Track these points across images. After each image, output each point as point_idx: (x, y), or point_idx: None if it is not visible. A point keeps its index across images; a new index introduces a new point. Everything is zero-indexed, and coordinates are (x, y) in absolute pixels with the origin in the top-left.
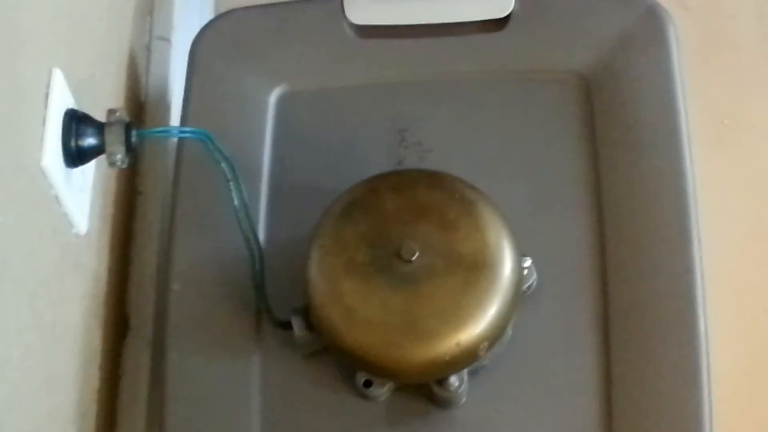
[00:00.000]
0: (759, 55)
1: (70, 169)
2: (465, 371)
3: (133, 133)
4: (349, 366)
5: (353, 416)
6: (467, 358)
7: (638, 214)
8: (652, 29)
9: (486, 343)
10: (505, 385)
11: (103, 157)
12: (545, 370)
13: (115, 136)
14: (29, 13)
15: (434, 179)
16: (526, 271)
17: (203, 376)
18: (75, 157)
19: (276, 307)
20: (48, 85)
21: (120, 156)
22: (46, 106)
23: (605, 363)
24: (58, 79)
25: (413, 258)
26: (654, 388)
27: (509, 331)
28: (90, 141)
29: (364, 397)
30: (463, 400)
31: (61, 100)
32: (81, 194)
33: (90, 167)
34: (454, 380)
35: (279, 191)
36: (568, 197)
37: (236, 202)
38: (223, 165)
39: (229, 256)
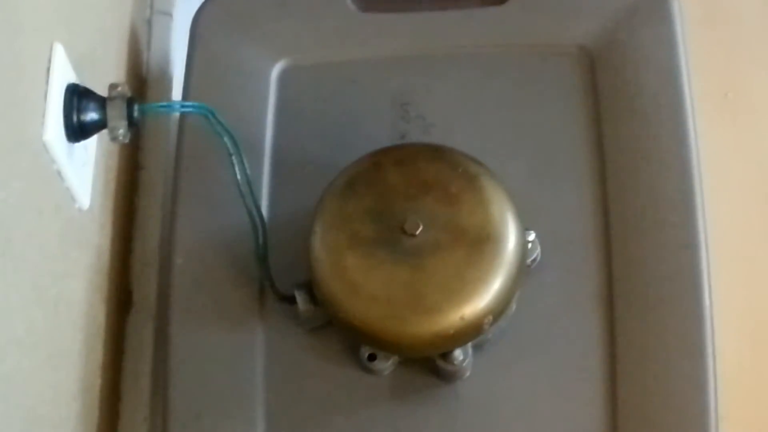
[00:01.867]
0: (762, 28)
1: (72, 144)
2: (469, 345)
3: (135, 107)
4: (353, 340)
5: (357, 390)
6: (471, 332)
7: (642, 188)
8: (655, 2)
9: (490, 317)
10: (509, 359)
11: (105, 132)
12: (549, 344)
13: (117, 110)
14: None
15: (437, 153)
16: (530, 245)
17: (207, 350)
18: (77, 132)
19: (279, 281)
20: (49, 60)
21: (122, 131)
22: (47, 81)
23: (609, 336)
24: (60, 54)
25: (417, 232)
26: (658, 362)
27: (513, 305)
28: (92, 116)
29: (368, 371)
30: (468, 373)
31: (62, 75)
32: (83, 169)
33: (92, 142)
34: (458, 354)
35: (282, 165)
36: (572, 171)
37: (239, 177)
38: (226, 139)
39: (232, 231)
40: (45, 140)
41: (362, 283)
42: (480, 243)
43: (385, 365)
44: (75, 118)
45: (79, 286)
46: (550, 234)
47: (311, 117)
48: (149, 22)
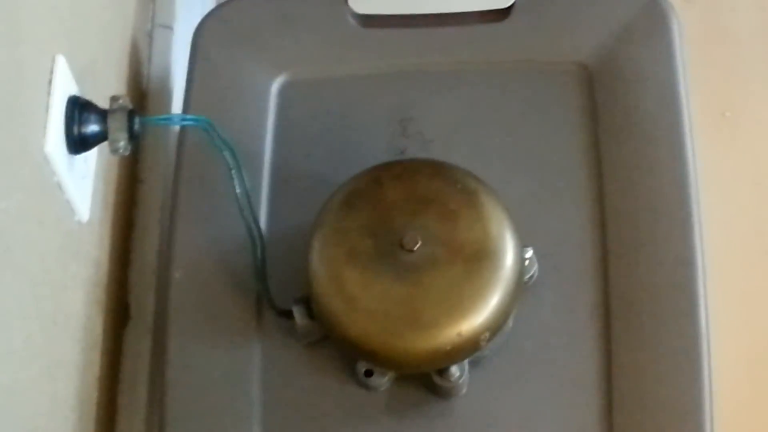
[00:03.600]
0: (760, 47)
1: (72, 156)
2: (466, 361)
3: (136, 120)
4: (350, 355)
5: (354, 406)
6: (468, 349)
7: (640, 205)
8: (654, 20)
9: (487, 334)
10: (506, 376)
11: (105, 144)
12: (546, 361)
13: (118, 123)
14: (33, 0)
15: (436, 169)
16: (527, 262)
17: (204, 364)
18: (78, 144)
19: (277, 295)
20: (51, 72)
21: (123, 143)
22: (49, 93)
23: (606, 353)
24: (62, 65)
25: (415, 248)
26: (654, 379)
27: (510, 322)
28: (93, 128)
29: (365, 386)
30: (464, 390)
31: (64, 86)
32: (83, 181)
33: (92, 154)
34: (455, 370)
35: (281, 180)
36: (570, 188)
37: (238, 191)
38: (225, 153)
39: (231, 245)
40: (46, 152)
41: (360, 299)
42: (478, 259)
43: (382, 381)
44: (76, 130)
45: (77, 298)
46: (548, 250)
47: (311, 131)
48: (150, 35)
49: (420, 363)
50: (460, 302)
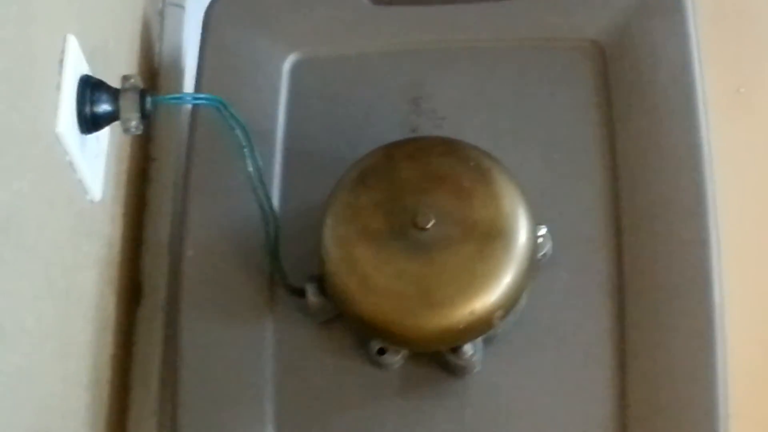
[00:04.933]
0: None
1: (84, 136)
2: (479, 339)
3: (148, 99)
4: (363, 334)
5: (367, 384)
6: (481, 327)
7: (654, 182)
8: None
9: (500, 312)
10: (519, 354)
11: (117, 123)
12: (559, 339)
13: (130, 102)
14: None
15: (449, 147)
16: (541, 240)
17: (217, 343)
18: (89, 123)
19: (290, 274)
20: (62, 52)
21: (134, 122)
22: (60, 73)
23: (619, 331)
24: (73, 45)
25: (428, 225)
26: (668, 357)
27: (524, 300)
28: (104, 107)
29: (378, 364)
30: (477, 368)
31: (75, 66)
32: (95, 161)
33: (104, 134)
34: (468, 348)
35: (293, 158)
36: (584, 165)
37: (250, 169)
38: (237, 131)
39: (243, 223)
40: (58, 132)
41: (373, 277)
42: (491, 237)
43: (395, 359)
44: (88, 110)
45: (89, 278)
46: (562, 229)
47: (323, 110)
48: (162, 14)
49: (433, 341)
50: (473, 280)
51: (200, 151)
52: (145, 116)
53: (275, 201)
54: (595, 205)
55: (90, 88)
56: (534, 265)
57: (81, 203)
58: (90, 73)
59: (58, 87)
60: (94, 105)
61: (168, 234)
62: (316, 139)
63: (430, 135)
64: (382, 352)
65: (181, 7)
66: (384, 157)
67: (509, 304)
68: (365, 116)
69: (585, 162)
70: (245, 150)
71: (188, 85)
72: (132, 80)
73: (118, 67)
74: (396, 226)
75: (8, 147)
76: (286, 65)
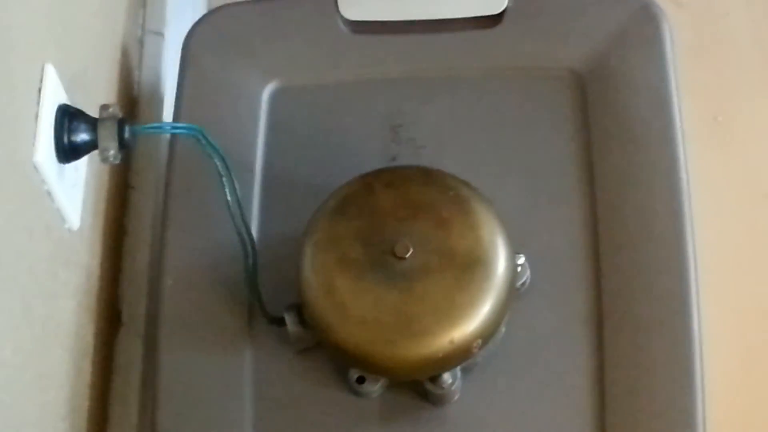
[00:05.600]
0: (752, 52)
1: (62, 165)
2: (458, 368)
3: (126, 128)
4: (342, 362)
5: (346, 413)
6: (460, 356)
7: (632, 211)
8: (646, 26)
9: (479, 341)
10: (498, 383)
11: (95, 152)
12: (538, 367)
13: (108, 131)
14: (21, 9)
15: (428, 176)
16: (519, 268)
17: (196, 371)
18: (68, 152)
19: (269, 303)
20: (41, 81)
21: (113, 152)
22: (38, 102)
23: (598, 360)
24: (51, 74)
25: (407, 255)
26: (647, 386)
27: (503, 329)
28: (83, 137)
29: (357, 393)
30: (456, 397)
31: (53, 95)
32: (73, 190)
33: (82, 163)
34: (447, 377)
35: (272, 187)
36: (562, 194)
37: (229, 198)
38: (216, 160)
39: (222, 252)
40: (35, 161)
41: (351, 306)
42: (470, 266)
43: (374, 388)
44: (66, 139)
45: (68, 306)
46: (540, 257)
47: (302, 138)
48: (141, 42)
49: (412, 370)
50: (452, 310)
51: (179, 179)
52: (124, 146)
53: (254, 230)
54: (573, 233)
55: (68, 117)
56: (513, 294)
57: (59, 232)
58: (68, 102)
59: (36, 116)
60: (72, 134)
61: (147, 262)
62: (294, 167)
63: (409, 164)
64: (361, 380)
65: (161, 35)
66: (363, 186)
67: (488, 333)
68: (344, 145)
69: (563, 191)
70: (224, 179)
71: (168, 112)
72: (110, 109)
73: (97, 95)
74: (375, 255)
75: None
76: (265, 94)
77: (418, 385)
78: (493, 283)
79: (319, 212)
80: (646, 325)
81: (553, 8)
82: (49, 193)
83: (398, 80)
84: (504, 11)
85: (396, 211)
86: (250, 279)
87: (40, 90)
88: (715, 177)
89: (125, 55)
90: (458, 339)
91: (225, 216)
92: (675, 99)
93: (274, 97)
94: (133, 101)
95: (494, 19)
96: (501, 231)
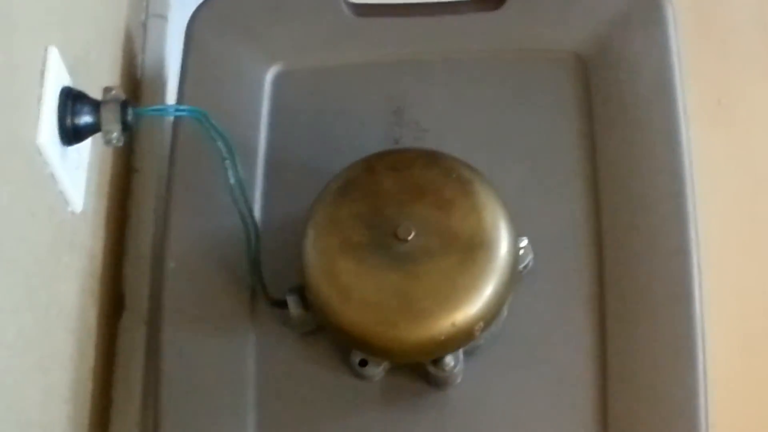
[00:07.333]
0: (755, 35)
1: (65, 147)
2: (460, 351)
3: (129, 111)
4: (345, 345)
5: (348, 395)
6: (463, 338)
7: (634, 194)
8: (649, 8)
9: (481, 323)
10: (500, 365)
11: (98, 135)
12: (541, 350)
13: (111, 114)
14: None
15: (431, 158)
16: (522, 251)
17: (198, 355)
18: (71, 135)
19: (272, 286)
20: (44, 63)
21: (116, 134)
22: (41, 85)
23: (600, 342)
24: (54, 57)
25: (409, 237)
26: (649, 368)
27: (505, 311)
28: (86, 119)
29: (360, 376)
30: (459, 380)
31: (56, 78)
32: (77, 172)
33: (86, 145)
34: (449, 360)
35: (275, 170)
36: (565, 177)
37: (232, 181)
38: (219, 143)
39: (225, 235)
40: (39, 143)
41: (354, 289)
42: (472, 249)
43: (376, 371)
44: (69, 122)
45: (70, 290)
46: (543, 240)
47: (305, 121)
48: (144, 25)
49: (414, 353)
50: (455, 292)
51: (182, 162)
52: (127, 128)
53: (257, 212)
54: (576, 216)
55: (71, 99)
56: (515, 277)
57: (62, 215)
58: (71, 85)
59: (40, 98)
60: (76, 117)
61: (150, 245)
62: (297, 150)
63: (411, 147)
64: (363, 363)
65: (164, 18)
66: (366, 168)
67: (490, 315)
68: (347, 128)
69: (566, 173)
70: (227, 162)
71: (171, 95)
72: (113, 92)
73: (100, 78)
74: (377, 237)
75: None
76: (269, 77)
77: (421, 368)
78: (495, 266)
79: (321, 195)
80: (649, 306)
81: None
82: (52, 176)
83: (401, 63)
84: None
85: (399, 194)
86: (253, 262)
87: (43, 72)
88: (718, 160)
89: (128, 38)
90: (460, 321)
91: (228, 199)
92: (678, 82)
93: (278, 80)
94: (136, 84)
95: (497, 2)
96: (504, 214)
